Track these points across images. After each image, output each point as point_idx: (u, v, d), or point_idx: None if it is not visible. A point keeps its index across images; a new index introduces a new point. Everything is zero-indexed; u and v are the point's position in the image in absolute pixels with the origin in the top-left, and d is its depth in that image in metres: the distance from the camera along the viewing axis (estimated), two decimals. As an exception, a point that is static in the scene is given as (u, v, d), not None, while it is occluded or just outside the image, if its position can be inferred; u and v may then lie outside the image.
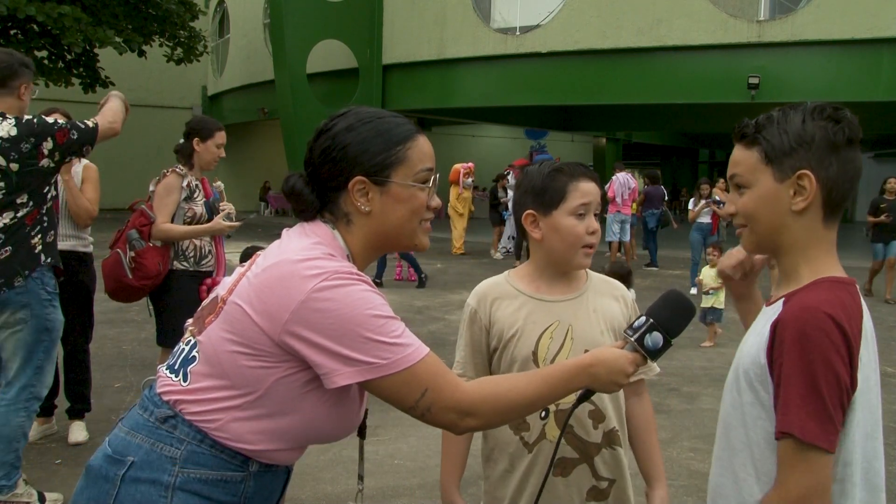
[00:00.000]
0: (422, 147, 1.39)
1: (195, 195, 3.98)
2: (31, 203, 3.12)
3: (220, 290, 1.39)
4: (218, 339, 1.30)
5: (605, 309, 1.79)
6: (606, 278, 1.90)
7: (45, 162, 3.10)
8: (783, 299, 1.29)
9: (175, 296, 3.90)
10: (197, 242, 3.98)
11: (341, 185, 1.36)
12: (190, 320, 1.43)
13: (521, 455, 1.76)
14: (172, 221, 3.91)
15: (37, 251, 3.15)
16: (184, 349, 1.37)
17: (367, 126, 1.37)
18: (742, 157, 1.34)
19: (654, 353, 1.39)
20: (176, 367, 1.35)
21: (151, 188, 3.99)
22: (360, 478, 1.60)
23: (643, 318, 1.40)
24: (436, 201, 1.43)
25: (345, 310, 1.23)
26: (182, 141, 4.02)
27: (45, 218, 3.20)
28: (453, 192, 13.86)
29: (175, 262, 3.93)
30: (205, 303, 1.41)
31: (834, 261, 1.32)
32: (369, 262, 1.44)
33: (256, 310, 1.26)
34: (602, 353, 1.39)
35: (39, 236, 3.17)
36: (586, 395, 1.45)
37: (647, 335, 1.38)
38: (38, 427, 4.04)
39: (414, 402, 1.27)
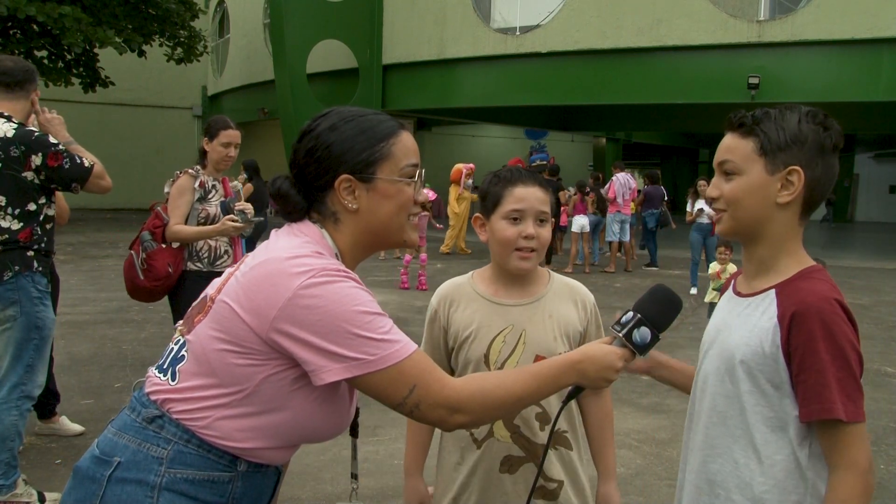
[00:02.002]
0: (405, 142, 1.40)
1: (210, 195, 3.99)
2: (9, 210, 3.11)
3: (209, 290, 1.39)
4: (206, 337, 1.30)
5: (560, 314, 1.82)
6: (569, 282, 1.92)
7: (29, 174, 3.13)
8: (774, 290, 1.38)
9: (187, 296, 3.83)
10: (212, 243, 3.97)
11: (327, 185, 1.37)
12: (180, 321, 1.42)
13: (470, 449, 1.81)
14: (187, 222, 3.92)
15: (29, 255, 3.19)
16: (173, 349, 1.37)
17: (349, 124, 1.38)
18: (736, 145, 1.41)
19: (643, 348, 1.39)
20: (165, 367, 1.35)
21: (166, 189, 4.02)
22: (354, 476, 1.61)
23: (630, 314, 1.41)
24: (422, 195, 1.44)
25: (332, 306, 1.23)
26: None
27: (44, 237, 3.24)
28: (453, 191, 13.82)
29: (189, 263, 3.94)
30: (195, 303, 1.41)
31: (805, 253, 1.43)
32: (359, 260, 1.44)
33: (244, 307, 1.26)
34: (590, 349, 1.39)
35: (34, 251, 3.20)
36: (575, 392, 1.46)
37: (636, 330, 1.38)
38: (44, 426, 4.10)
39: (402, 399, 1.27)
